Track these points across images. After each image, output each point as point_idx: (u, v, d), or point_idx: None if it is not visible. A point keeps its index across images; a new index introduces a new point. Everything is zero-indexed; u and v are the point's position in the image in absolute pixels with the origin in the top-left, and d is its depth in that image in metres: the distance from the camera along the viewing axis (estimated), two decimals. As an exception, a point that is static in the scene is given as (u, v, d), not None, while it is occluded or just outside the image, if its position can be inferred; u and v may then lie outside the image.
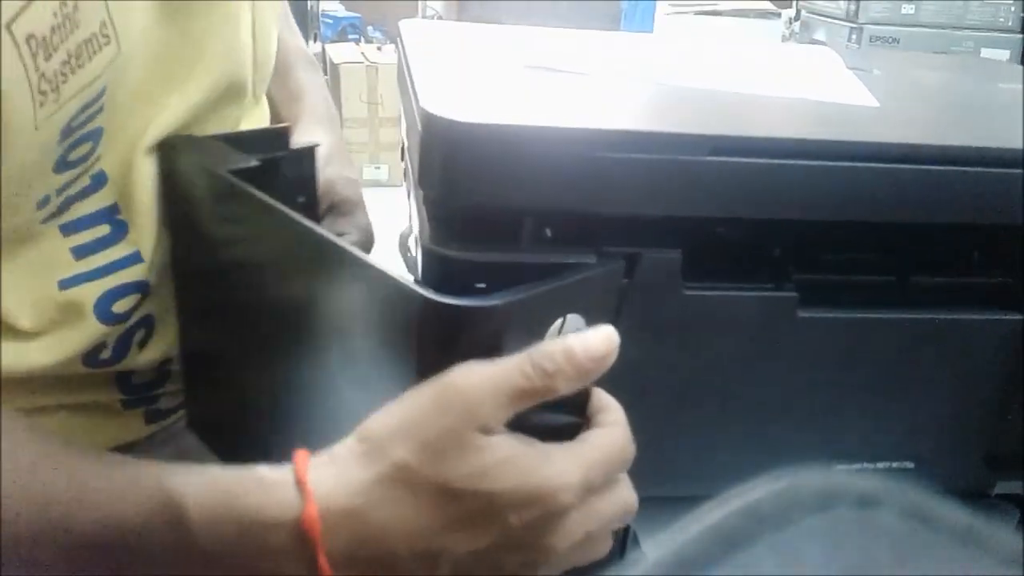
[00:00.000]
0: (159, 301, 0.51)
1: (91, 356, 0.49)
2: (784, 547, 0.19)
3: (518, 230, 0.38)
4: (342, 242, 0.38)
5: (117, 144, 0.46)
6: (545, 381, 0.35)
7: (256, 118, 0.57)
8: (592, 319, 0.37)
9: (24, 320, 0.46)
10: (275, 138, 0.53)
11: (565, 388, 0.35)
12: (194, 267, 0.49)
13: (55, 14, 0.37)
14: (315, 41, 3.43)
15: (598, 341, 0.35)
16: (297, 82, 0.67)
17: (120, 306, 0.48)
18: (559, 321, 0.37)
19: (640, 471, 0.44)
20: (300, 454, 0.37)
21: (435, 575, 0.36)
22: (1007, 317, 0.43)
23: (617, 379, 0.41)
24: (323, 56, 3.47)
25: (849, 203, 0.39)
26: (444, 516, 0.35)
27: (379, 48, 3.55)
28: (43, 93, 0.37)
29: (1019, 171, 0.39)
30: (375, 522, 0.35)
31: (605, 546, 0.39)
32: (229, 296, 0.48)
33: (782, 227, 0.40)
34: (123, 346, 0.50)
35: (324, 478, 0.36)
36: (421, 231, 0.41)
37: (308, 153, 0.54)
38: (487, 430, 0.35)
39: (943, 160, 0.39)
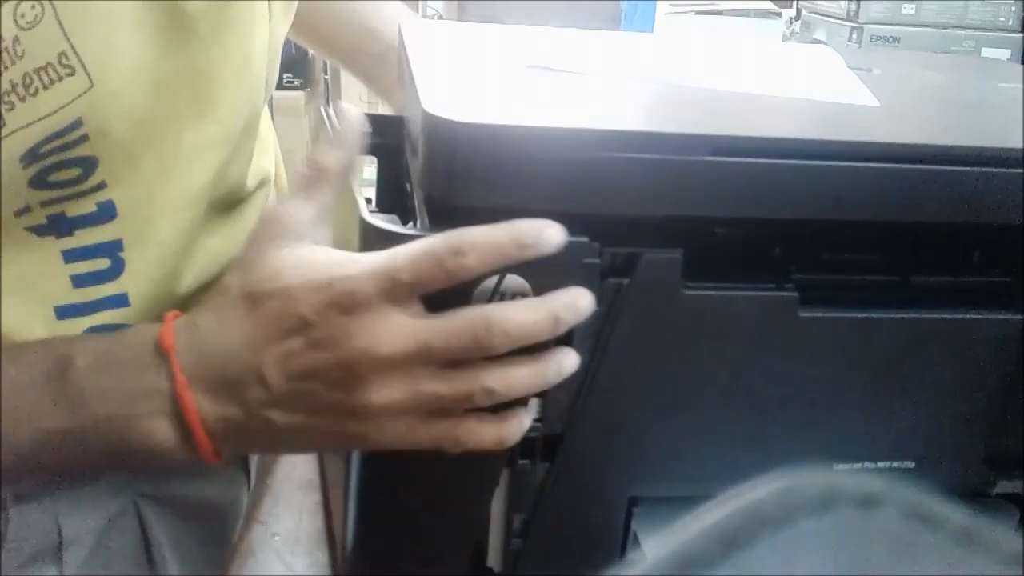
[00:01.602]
0: (134, 321, 0.50)
1: None
2: (784, 547, 0.19)
3: None
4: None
5: (127, 178, 0.45)
6: (312, 165, 0.39)
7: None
8: (539, 288, 0.37)
9: (20, 339, 0.45)
10: None
11: (330, 161, 0.39)
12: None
13: None
14: (315, 41, 3.43)
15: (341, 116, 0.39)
16: None
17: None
18: (494, 279, 0.37)
19: (641, 471, 0.44)
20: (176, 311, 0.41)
21: (270, 394, 0.37)
22: (1008, 317, 0.43)
23: (618, 379, 0.41)
24: (323, 56, 3.47)
25: (849, 203, 0.39)
26: (250, 321, 0.37)
27: (379, 48, 3.55)
28: None
29: (1019, 171, 0.39)
30: (207, 335, 0.38)
31: (454, 433, 0.38)
32: None
33: (783, 227, 0.40)
34: None
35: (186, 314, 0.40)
36: (422, 230, 0.41)
37: None
38: (289, 233, 0.38)
39: (944, 160, 0.39)
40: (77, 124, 0.42)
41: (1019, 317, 0.43)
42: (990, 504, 0.47)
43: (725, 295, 0.40)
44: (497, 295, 0.37)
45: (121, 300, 0.48)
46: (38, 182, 0.43)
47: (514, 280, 0.37)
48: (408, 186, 0.49)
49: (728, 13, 2.76)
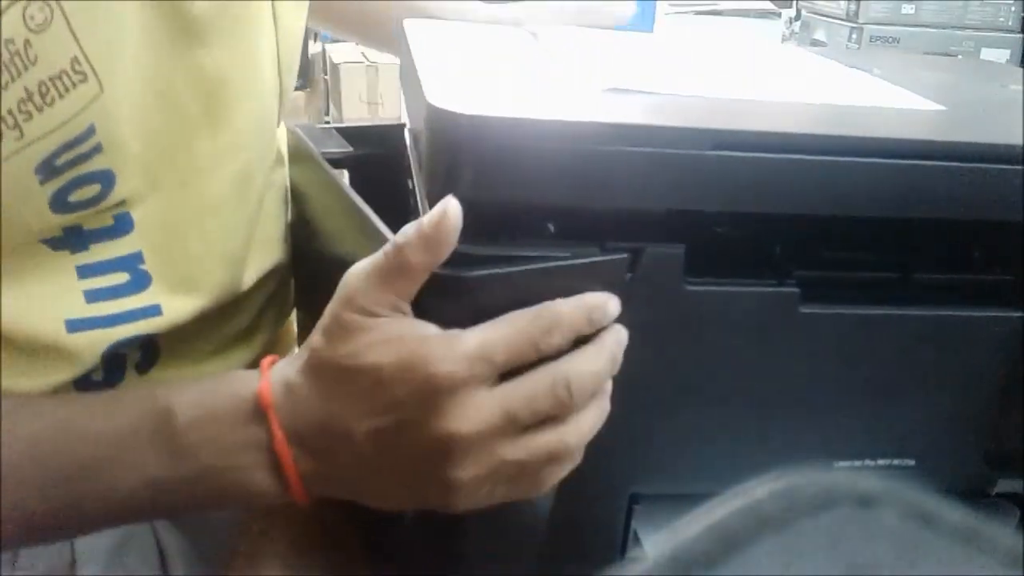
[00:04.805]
0: (168, 328, 0.50)
1: (82, 381, 0.48)
2: (785, 547, 0.19)
3: (521, 224, 0.38)
4: (367, 211, 0.42)
5: (142, 189, 0.45)
6: (398, 256, 0.37)
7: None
8: None
9: (24, 349, 0.45)
10: (393, 132, 0.57)
11: (415, 260, 0.36)
12: (301, 255, 0.55)
13: None
14: (315, 41, 3.42)
15: (437, 209, 0.36)
16: None
17: (121, 347, 0.48)
18: None
19: (642, 468, 0.44)
20: (271, 356, 0.42)
21: (361, 460, 0.38)
22: (1008, 314, 0.43)
23: (618, 375, 0.41)
24: (323, 56, 3.47)
25: (851, 199, 0.38)
26: (342, 393, 0.38)
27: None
28: None
29: (1019, 167, 0.39)
30: (302, 400, 0.39)
31: (534, 490, 0.39)
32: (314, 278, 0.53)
33: (784, 222, 0.40)
34: (115, 368, 0.49)
35: (280, 366, 0.40)
36: None
37: (396, 130, 0.57)
38: (365, 311, 0.37)
39: (944, 156, 0.39)
40: (90, 132, 0.41)
41: (1019, 315, 0.42)
42: (990, 504, 0.47)
43: (727, 291, 0.40)
44: None
45: (154, 311, 0.48)
46: (59, 204, 0.42)
47: None
48: (410, 183, 0.49)
49: (728, 13, 2.77)
